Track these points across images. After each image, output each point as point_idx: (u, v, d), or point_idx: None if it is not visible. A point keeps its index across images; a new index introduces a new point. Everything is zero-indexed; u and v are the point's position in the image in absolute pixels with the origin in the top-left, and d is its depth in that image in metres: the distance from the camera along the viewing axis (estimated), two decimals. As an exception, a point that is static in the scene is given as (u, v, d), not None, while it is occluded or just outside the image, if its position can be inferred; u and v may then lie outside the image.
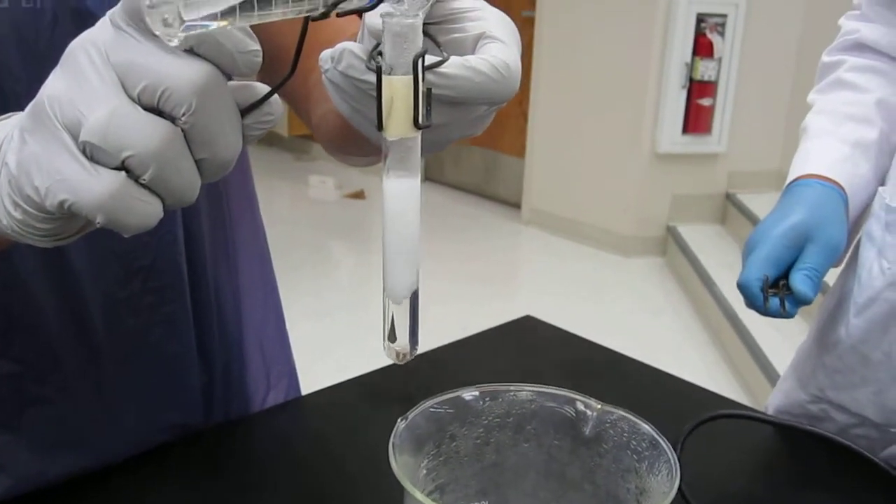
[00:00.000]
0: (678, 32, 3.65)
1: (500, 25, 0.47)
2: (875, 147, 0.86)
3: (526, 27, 4.20)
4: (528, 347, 0.98)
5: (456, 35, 0.47)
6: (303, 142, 5.70)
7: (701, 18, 3.65)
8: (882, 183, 0.85)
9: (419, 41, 0.43)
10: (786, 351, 2.71)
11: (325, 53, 0.45)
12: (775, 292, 0.76)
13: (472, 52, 0.46)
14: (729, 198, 3.98)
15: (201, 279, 0.74)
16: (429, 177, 5.09)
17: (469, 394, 0.49)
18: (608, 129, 3.93)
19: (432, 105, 0.44)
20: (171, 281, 0.70)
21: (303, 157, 5.72)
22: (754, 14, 3.71)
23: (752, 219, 3.66)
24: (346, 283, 3.84)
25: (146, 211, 0.38)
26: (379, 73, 0.43)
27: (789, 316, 0.76)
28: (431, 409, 0.49)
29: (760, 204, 3.78)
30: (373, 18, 0.45)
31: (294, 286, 3.09)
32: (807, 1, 3.79)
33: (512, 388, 0.49)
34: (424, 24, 0.46)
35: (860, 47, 0.92)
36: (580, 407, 0.48)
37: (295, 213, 4.73)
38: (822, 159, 0.84)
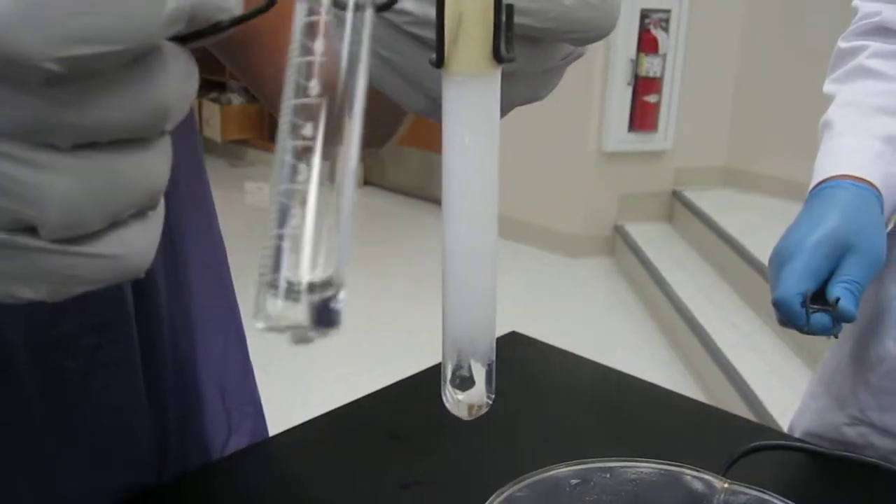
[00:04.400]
0: (622, 28, 3.59)
1: None
2: None
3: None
4: (522, 371, 0.88)
5: None
6: (237, 147, 5.51)
7: (645, 14, 3.61)
8: None
9: None
10: (744, 349, 2.71)
11: None
12: (816, 308, 0.67)
13: None
14: (676, 195, 3.95)
15: (150, 310, 0.61)
16: (368, 180, 4.96)
17: (562, 471, 0.37)
18: (553, 127, 3.85)
19: (518, 38, 0.31)
20: (112, 314, 0.58)
21: (237, 164, 5.54)
22: (697, 9, 3.69)
23: (700, 216, 3.63)
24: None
25: None
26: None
27: (835, 332, 0.67)
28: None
29: (708, 200, 3.76)
30: None
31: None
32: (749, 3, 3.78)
33: (609, 464, 0.36)
34: None
35: (882, 31, 0.83)
36: (698, 487, 0.36)
37: (231, 221, 4.57)
38: (852, 157, 0.75)
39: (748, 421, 0.77)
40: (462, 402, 0.32)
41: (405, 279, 3.60)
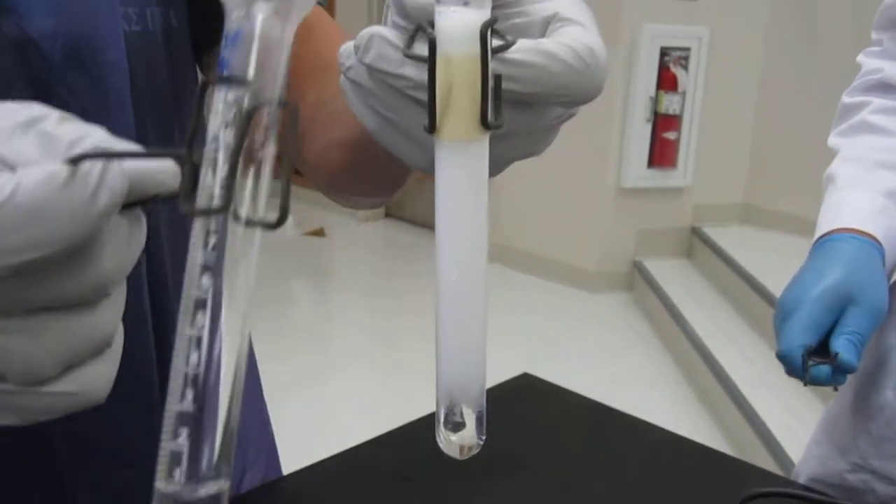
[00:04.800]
0: (642, 66, 3.63)
1: (573, 5, 0.37)
2: None
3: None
4: (533, 414, 0.89)
5: (517, 20, 0.37)
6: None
7: (665, 52, 3.63)
8: None
9: (487, 6, 0.32)
10: (760, 386, 2.70)
11: (346, 46, 0.36)
12: (817, 361, 0.69)
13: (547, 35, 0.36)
14: (695, 231, 3.95)
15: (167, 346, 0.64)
16: (388, 213, 5.00)
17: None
18: (573, 163, 3.88)
19: (506, 101, 0.33)
20: (136, 357, 0.60)
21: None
22: (717, 47, 3.71)
23: (718, 252, 3.63)
24: (309, 323, 3.72)
25: None
26: (432, 49, 0.32)
27: (836, 384, 0.69)
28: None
29: (726, 237, 3.76)
30: None
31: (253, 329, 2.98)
32: (767, 33, 3.80)
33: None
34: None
35: (885, 87, 0.85)
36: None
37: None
38: (855, 211, 0.77)
39: (753, 467, 0.78)
40: (454, 442, 0.34)
41: (423, 316, 3.61)
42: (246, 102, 0.28)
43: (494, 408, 0.88)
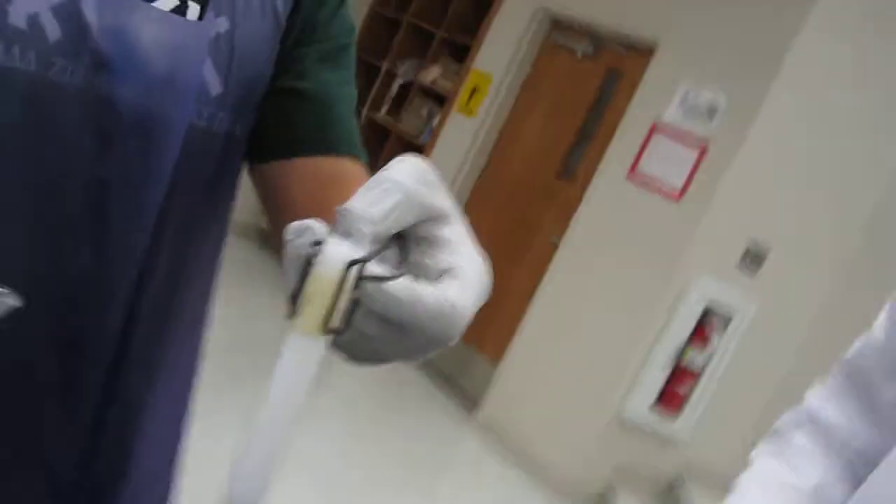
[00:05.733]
0: (681, 315, 3.72)
1: (469, 268, 0.47)
2: None
3: (548, 251, 4.33)
4: None
5: (426, 260, 0.47)
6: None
7: (708, 310, 3.73)
8: None
9: (362, 250, 0.43)
10: None
11: (293, 225, 0.45)
12: None
13: (433, 280, 0.46)
14: (672, 489, 3.94)
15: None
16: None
17: None
18: (586, 372, 3.95)
19: (366, 315, 0.43)
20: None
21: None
22: (760, 324, 3.79)
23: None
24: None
25: None
26: (308, 262, 0.43)
27: None
28: None
29: (702, 501, 3.73)
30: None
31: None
32: (810, 323, 3.87)
33: None
34: (404, 237, 0.47)
35: (817, 424, 0.92)
36: None
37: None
38: None
39: None
40: None
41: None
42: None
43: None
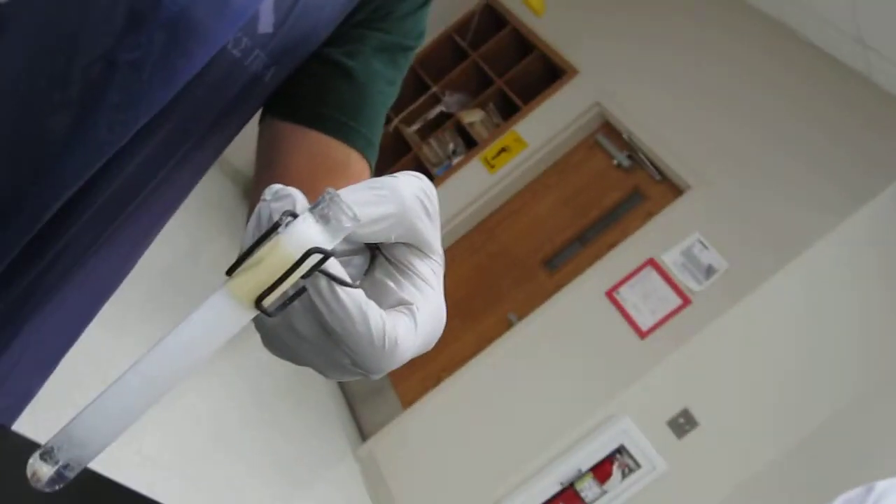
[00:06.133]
0: (594, 443, 3.70)
1: (428, 312, 0.44)
2: None
3: (502, 326, 4.30)
4: None
5: (390, 283, 0.44)
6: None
7: (621, 449, 3.71)
8: None
9: (332, 241, 0.39)
10: None
11: (275, 185, 0.41)
12: None
13: (385, 307, 0.43)
14: None
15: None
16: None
17: None
18: (482, 456, 3.90)
19: (304, 310, 0.40)
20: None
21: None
22: (663, 485, 3.76)
23: None
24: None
25: None
26: (276, 226, 0.39)
27: None
28: None
29: None
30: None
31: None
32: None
33: None
34: (378, 249, 0.44)
35: None
36: None
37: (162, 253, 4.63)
38: None
39: None
40: (32, 465, 0.38)
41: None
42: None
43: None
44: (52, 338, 0.76)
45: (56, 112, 0.57)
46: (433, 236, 0.46)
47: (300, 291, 0.40)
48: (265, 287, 0.38)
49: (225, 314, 0.38)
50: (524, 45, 5.22)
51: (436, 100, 5.34)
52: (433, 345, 0.46)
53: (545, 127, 4.76)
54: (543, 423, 3.84)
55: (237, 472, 3.20)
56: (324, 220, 0.39)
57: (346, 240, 0.41)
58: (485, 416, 4.03)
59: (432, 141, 5.19)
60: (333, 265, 0.40)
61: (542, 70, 5.07)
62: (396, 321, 0.42)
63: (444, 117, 5.30)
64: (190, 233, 3.94)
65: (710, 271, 3.84)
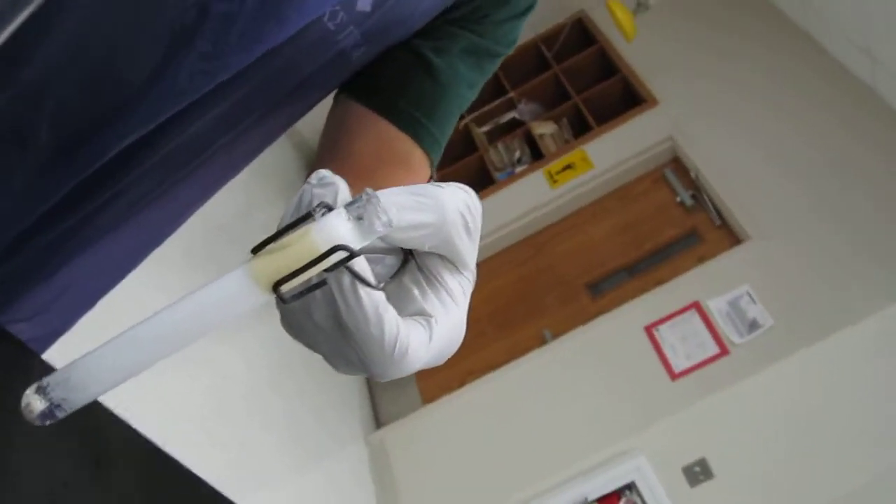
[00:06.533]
0: (607, 473, 3.66)
1: (446, 328, 0.44)
2: None
3: (535, 341, 4.28)
4: None
5: (415, 291, 0.44)
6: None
7: (632, 485, 3.67)
8: None
9: (362, 241, 0.39)
10: None
11: (322, 171, 0.42)
12: None
13: (405, 314, 0.43)
14: None
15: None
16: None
17: None
18: (493, 466, 3.89)
19: (323, 301, 0.40)
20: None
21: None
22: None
23: None
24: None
25: None
26: (308, 216, 0.39)
27: None
28: None
29: None
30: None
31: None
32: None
33: None
34: (412, 255, 0.44)
35: None
36: None
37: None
38: None
39: None
40: (28, 395, 0.39)
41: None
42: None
43: None
44: (95, 277, 0.77)
45: (144, 51, 0.57)
46: (469, 253, 0.45)
47: (320, 284, 0.40)
48: (285, 274, 0.38)
49: (240, 292, 0.38)
50: (608, 66, 5.18)
51: (510, 105, 5.33)
52: (445, 360, 0.46)
53: (615, 151, 4.72)
54: (558, 444, 3.82)
55: (254, 433, 3.23)
56: (358, 217, 0.38)
57: (381, 239, 0.41)
58: (501, 427, 4.02)
59: (500, 145, 5.18)
60: (359, 263, 0.40)
61: (622, 94, 5.03)
62: (411, 331, 0.42)
63: (515, 124, 5.29)
64: (249, 192, 3.99)
65: (753, 326, 3.79)
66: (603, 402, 3.88)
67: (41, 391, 0.39)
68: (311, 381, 4.02)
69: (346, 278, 0.40)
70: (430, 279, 0.45)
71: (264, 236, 0.38)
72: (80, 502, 0.56)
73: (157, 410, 2.47)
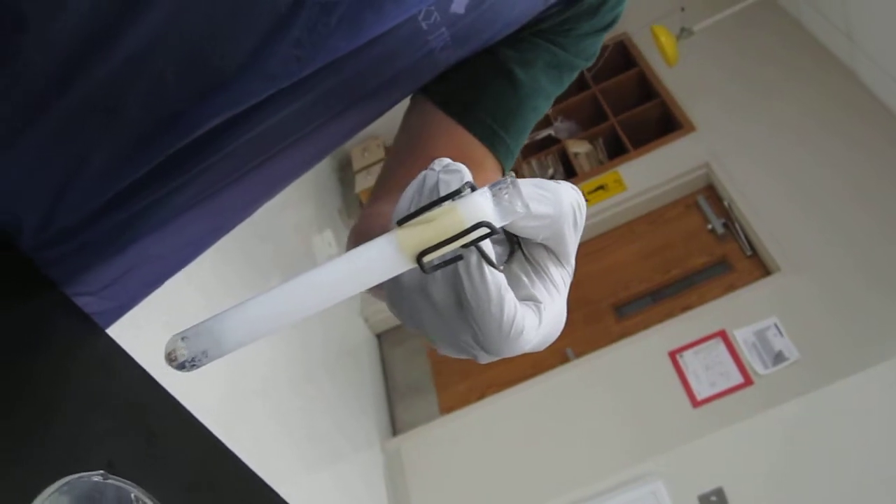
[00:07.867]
0: (620, 495, 3.64)
1: (551, 312, 0.46)
2: None
3: (558, 359, 4.27)
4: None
5: (524, 278, 0.46)
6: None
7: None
8: None
9: (502, 222, 0.41)
10: None
11: (444, 159, 0.44)
12: None
13: (519, 299, 0.45)
14: None
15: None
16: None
17: None
18: (506, 483, 3.88)
19: (445, 279, 0.42)
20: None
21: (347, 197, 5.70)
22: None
23: None
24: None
25: None
26: (454, 193, 0.41)
27: None
28: None
29: None
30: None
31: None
32: None
33: None
34: (521, 248, 0.46)
35: None
36: None
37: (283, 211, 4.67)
38: None
39: None
40: (173, 341, 0.41)
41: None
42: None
43: None
44: (164, 258, 0.78)
45: (241, 33, 0.58)
46: (573, 247, 0.47)
47: (457, 258, 0.41)
48: (429, 245, 0.40)
49: (387, 258, 0.41)
50: (647, 89, 5.18)
51: (547, 122, 5.33)
52: (547, 346, 0.47)
53: (649, 175, 4.71)
54: (574, 464, 3.80)
55: (269, 429, 3.24)
56: (498, 199, 0.40)
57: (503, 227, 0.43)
58: (518, 443, 4.01)
59: (533, 161, 5.18)
60: (487, 245, 0.42)
61: (659, 118, 5.02)
62: (525, 313, 0.44)
63: (550, 141, 5.30)
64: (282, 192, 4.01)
65: (779, 358, 3.76)
66: (622, 424, 3.86)
67: (185, 341, 0.41)
68: (330, 385, 4.03)
69: (475, 257, 0.41)
70: (537, 269, 0.46)
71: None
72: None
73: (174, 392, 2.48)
